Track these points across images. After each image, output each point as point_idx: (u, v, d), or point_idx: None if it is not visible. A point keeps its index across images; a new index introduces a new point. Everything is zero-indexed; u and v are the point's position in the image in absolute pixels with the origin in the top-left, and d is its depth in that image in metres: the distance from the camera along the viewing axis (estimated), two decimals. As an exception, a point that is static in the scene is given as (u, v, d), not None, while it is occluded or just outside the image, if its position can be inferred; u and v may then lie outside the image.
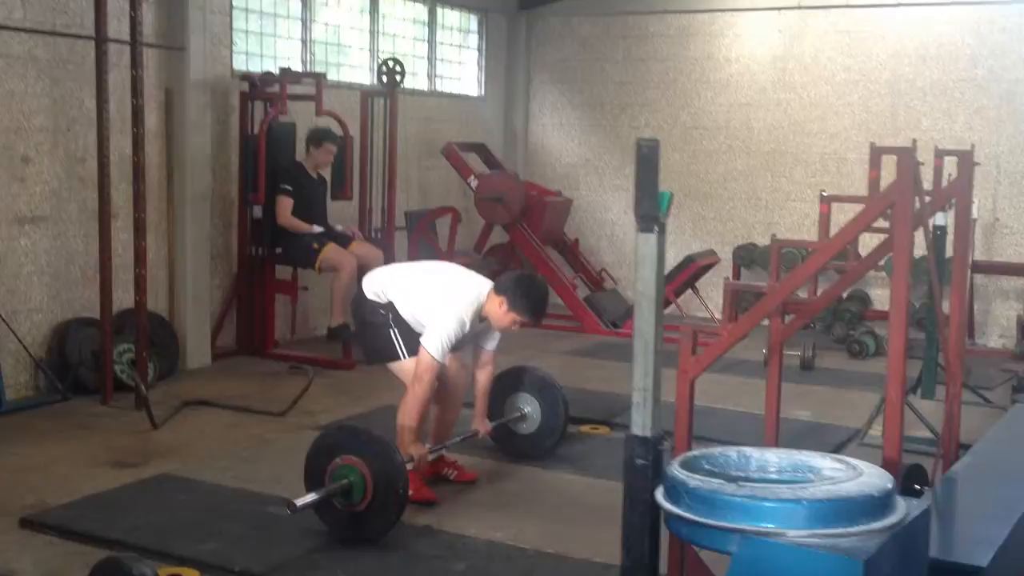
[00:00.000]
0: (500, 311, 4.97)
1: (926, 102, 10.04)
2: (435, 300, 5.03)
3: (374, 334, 5.21)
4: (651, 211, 2.36)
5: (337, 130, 8.30)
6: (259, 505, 4.96)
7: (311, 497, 4.43)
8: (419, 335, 5.00)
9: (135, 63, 6.75)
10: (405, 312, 5.11)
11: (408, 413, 4.91)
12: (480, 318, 5.07)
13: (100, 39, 6.61)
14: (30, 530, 4.63)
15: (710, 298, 9.99)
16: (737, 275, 10.40)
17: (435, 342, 4.88)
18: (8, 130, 6.75)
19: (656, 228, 2.39)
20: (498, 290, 5.01)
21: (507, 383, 5.78)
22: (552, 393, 5.85)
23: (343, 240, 8.13)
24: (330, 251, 7.91)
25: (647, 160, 2.37)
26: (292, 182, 7.97)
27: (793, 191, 10.63)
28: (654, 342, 2.40)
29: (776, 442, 5.04)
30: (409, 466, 4.76)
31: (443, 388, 5.22)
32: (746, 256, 10.46)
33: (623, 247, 11.38)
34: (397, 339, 5.11)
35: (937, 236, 6.95)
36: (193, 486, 5.25)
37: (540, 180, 11.10)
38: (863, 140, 10.28)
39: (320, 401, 6.93)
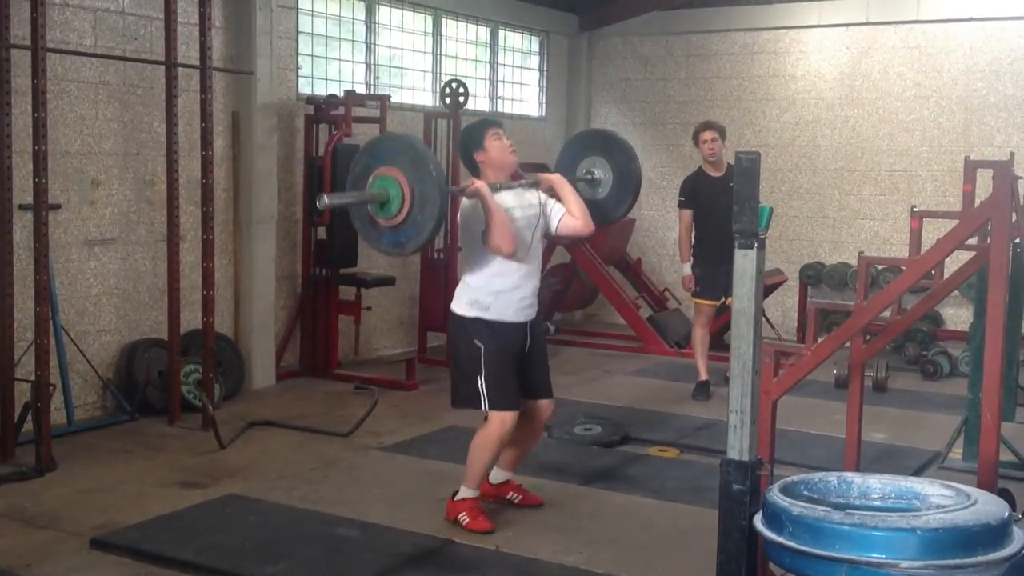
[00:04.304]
0: (490, 156, 4.80)
1: (999, 117, 9.80)
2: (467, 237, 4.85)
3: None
4: (750, 226, 2.28)
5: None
6: (328, 526, 4.92)
7: (349, 197, 4.38)
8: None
9: (204, 87, 6.81)
10: (472, 280, 4.87)
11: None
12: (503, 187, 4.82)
13: (170, 64, 6.67)
14: (101, 551, 4.62)
15: (775, 318, 9.82)
16: (804, 295, 10.21)
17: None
18: (79, 154, 6.83)
19: (756, 244, 2.30)
20: (471, 162, 4.87)
21: (584, 143, 5.42)
22: (628, 163, 5.39)
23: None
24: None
25: (747, 173, 2.28)
26: (686, 191, 7.59)
27: (861, 209, 10.42)
28: (752, 362, 2.31)
29: (857, 466, 4.91)
30: (468, 494, 4.86)
31: (528, 419, 5.06)
32: (813, 275, 10.27)
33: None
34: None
35: (1016, 253, 6.75)
36: (262, 507, 5.22)
37: (602, 200, 11.00)
38: (934, 157, 10.09)
39: (385, 422, 6.89)
